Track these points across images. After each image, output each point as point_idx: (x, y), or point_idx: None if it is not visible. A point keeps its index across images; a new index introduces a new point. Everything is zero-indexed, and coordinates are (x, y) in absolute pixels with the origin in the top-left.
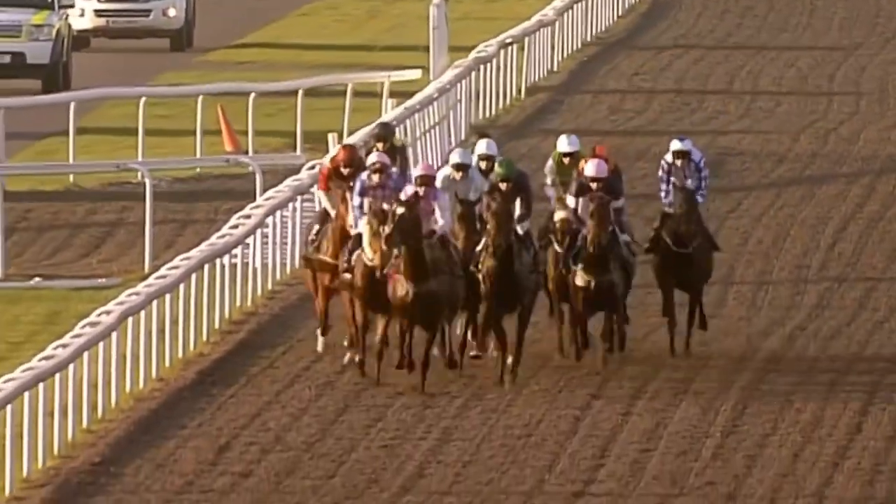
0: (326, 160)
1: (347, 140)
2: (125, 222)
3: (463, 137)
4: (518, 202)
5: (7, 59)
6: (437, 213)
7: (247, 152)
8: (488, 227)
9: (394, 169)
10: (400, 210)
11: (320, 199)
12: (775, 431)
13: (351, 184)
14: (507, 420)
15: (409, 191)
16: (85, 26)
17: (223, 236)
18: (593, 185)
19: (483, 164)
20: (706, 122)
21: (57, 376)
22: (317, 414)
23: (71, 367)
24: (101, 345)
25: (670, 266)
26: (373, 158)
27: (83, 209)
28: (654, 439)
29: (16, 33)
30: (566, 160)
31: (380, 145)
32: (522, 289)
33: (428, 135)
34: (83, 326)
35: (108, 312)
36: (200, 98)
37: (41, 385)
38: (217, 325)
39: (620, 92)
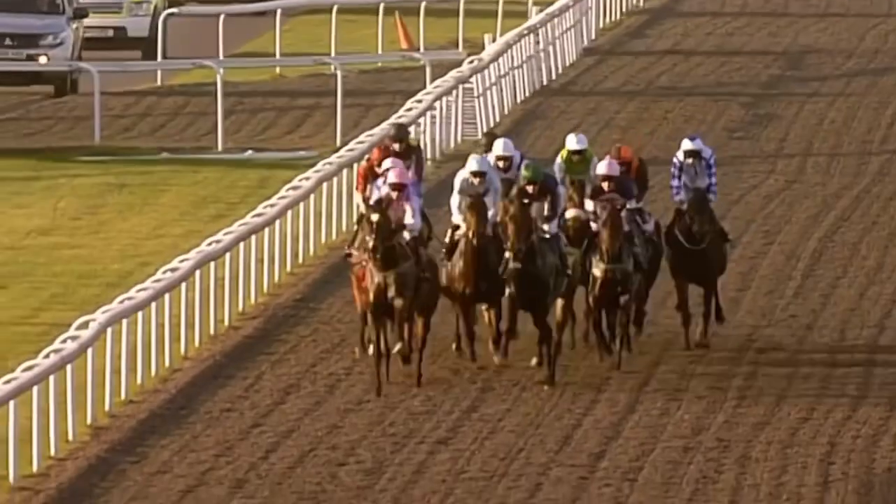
0: (364, 161)
1: (399, 123)
2: (320, 106)
3: (593, 37)
4: (546, 204)
5: (110, 32)
6: (409, 214)
7: (418, 49)
8: (508, 230)
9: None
10: (374, 217)
11: (357, 200)
12: (845, 274)
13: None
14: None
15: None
16: None
17: (400, 117)
18: (605, 185)
19: (501, 164)
20: (789, 25)
21: (266, 230)
22: None
23: (277, 222)
24: (301, 205)
25: (684, 263)
26: (387, 164)
27: (287, 95)
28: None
29: (117, 10)
30: (575, 158)
31: (396, 145)
32: (545, 290)
33: (566, 35)
34: (287, 190)
35: (307, 178)
36: (381, 6)
37: (253, 237)
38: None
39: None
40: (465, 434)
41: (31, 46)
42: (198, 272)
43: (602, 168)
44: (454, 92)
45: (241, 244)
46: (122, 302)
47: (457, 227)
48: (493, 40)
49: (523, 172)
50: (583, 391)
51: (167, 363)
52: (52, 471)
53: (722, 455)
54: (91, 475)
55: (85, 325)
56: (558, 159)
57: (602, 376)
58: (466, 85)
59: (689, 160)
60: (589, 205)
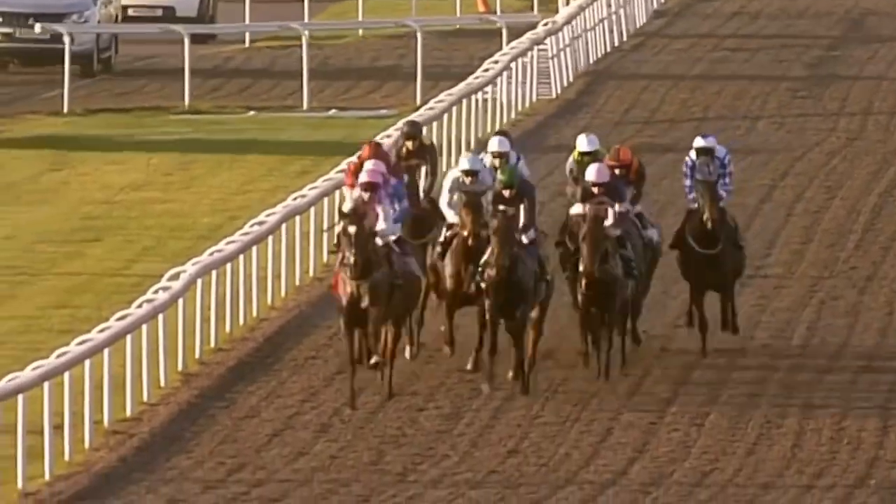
0: (354, 157)
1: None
2: (401, 67)
3: (663, 0)
4: (521, 210)
5: (159, 12)
6: (380, 219)
7: (494, 12)
8: (492, 244)
9: (394, 179)
10: (352, 229)
11: (345, 196)
12: None
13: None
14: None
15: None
16: None
17: (477, 77)
18: (595, 190)
19: (497, 162)
20: None
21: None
22: None
23: None
24: None
25: (695, 268)
26: (367, 167)
27: (369, 56)
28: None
29: None
30: (586, 159)
31: (409, 143)
32: (524, 298)
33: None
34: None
35: (388, 136)
36: None
37: (337, 192)
38: (472, 146)
39: None
40: (540, 382)
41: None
42: (284, 226)
43: (591, 175)
44: (529, 53)
45: (326, 199)
46: (211, 254)
47: (451, 226)
48: (567, 3)
49: (499, 176)
50: (651, 342)
51: (254, 313)
52: (145, 415)
53: (786, 401)
54: (182, 419)
55: (176, 277)
56: (570, 160)
57: (671, 325)
58: (541, 47)
59: (702, 158)
60: (578, 208)
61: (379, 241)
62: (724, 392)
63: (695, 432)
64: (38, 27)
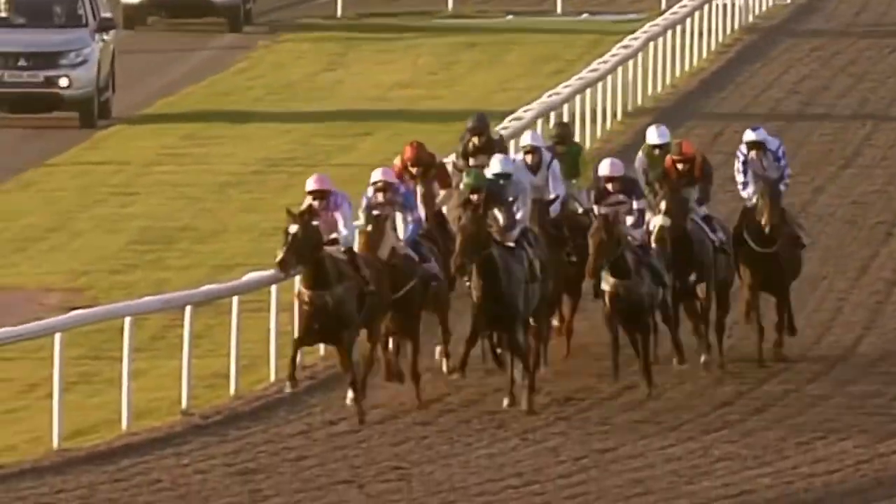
0: (397, 160)
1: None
2: None
3: None
4: (499, 212)
5: None
6: (340, 224)
7: None
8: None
9: (401, 185)
10: (293, 229)
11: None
12: None
13: (418, 182)
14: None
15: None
16: None
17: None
18: (609, 186)
19: (529, 159)
20: None
21: (598, 85)
22: None
23: (609, 77)
24: (630, 62)
25: (753, 267)
26: (376, 176)
27: None
28: None
29: None
30: (657, 152)
31: (476, 139)
32: (513, 305)
33: None
34: (618, 48)
35: (635, 38)
36: None
37: (588, 91)
38: (713, 47)
39: None
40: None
41: (49, 67)
42: (539, 121)
43: (604, 168)
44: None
45: (577, 97)
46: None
47: None
48: None
49: (465, 179)
50: (862, 247)
51: None
52: None
53: None
54: None
55: None
56: (640, 154)
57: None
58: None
59: (753, 153)
60: (595, 209)
61: (339, 248)
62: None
63: None
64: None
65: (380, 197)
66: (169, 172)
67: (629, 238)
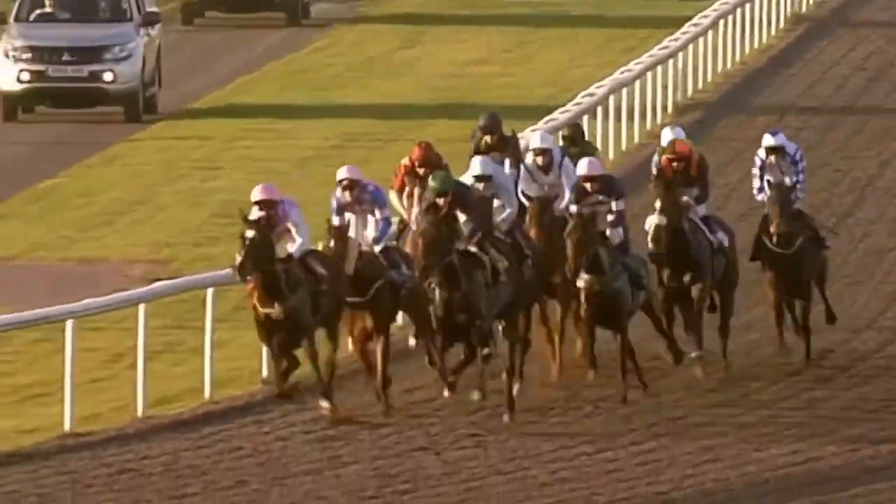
0: (405, 159)
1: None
2: None
3: None
4: (464, 217)
5: None
6: (293, 232)
7: None
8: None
9: (369, 183)
10: (250, 234)
11: (392, 199)
12: None
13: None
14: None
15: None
16: None
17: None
18: (588, 186)
19: (539, 161)
20: None
21: (670, 62)
22: None
23: (680, 55)
24: (700, 39)
25: (775, 270)
26: (341, 174)
27: None
28: None
29: None
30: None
31: (488, 137)
32: (475, 311)
33: None
34: (688, 26)
35: (706, 16)
36: None
37: (659, 67)
38: (782, 24)
39: None
40: None
41: (94, 62)
42: (611, 97)
43: (582, 168)
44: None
45: (649, 73)
46: (546, 122)
47: None
48: None
49: (430, 183)
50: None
51: None
52: None
53: None
54: None
55: None
56: (655, 157)
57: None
58: None
59: (772, 157)
60: (573, 209)
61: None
62: None
63: None
64: None
65: (347, 196)
66: (250, 147)
67: (607, 236)
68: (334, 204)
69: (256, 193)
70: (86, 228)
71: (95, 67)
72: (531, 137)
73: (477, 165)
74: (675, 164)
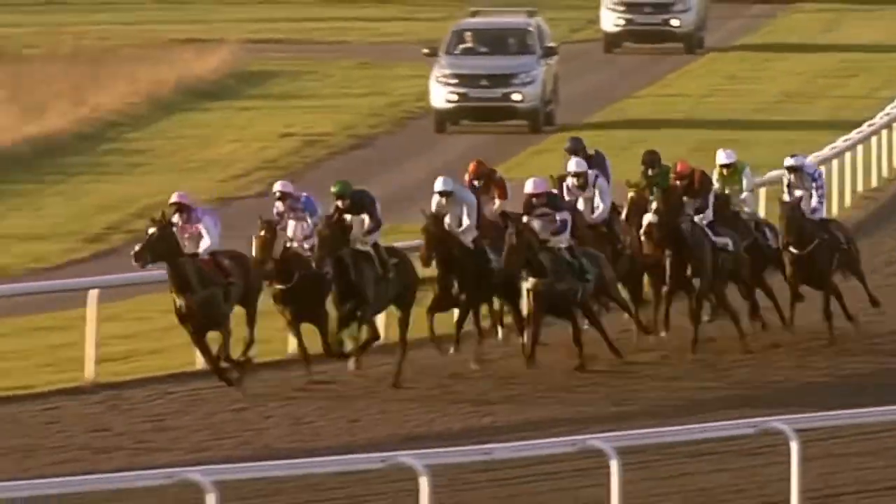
0: (466, 175)
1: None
2: None
3: None
4: (365, 218)
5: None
6: (204, 234)
7: None
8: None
9: (301, 195)
10: (151, 230)
11: None
12: None
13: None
14: None
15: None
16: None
17: None
18: (534, 200)
19: (575, 181)
20: None
21: None
22: None
23: None
24: None
25: (793, 267)
26: (276, 188)
27: None
28: None
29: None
30: (725, 171)
31: (573, 158)
32: (363, 300)
33: None
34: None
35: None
36: None
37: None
38: None
39: None
40: None
41: (505, 85)
42: None
43: (529, 186)
44: None
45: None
46: None
47: None
48: None
49: (332, 188)
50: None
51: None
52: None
53: None
54: None
55: None
56: (714, 174)
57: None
58: None
59: (792, 176)
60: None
61: (202, 251)
62: None
63: None
64: None
65: (280, 206)
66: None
67: (548, 242)
68: (274, 212)
69: (174, 196)
70: None
71: (507, 90)
72: (568, 163)
73: (440, 183)
74: (678, 182)
